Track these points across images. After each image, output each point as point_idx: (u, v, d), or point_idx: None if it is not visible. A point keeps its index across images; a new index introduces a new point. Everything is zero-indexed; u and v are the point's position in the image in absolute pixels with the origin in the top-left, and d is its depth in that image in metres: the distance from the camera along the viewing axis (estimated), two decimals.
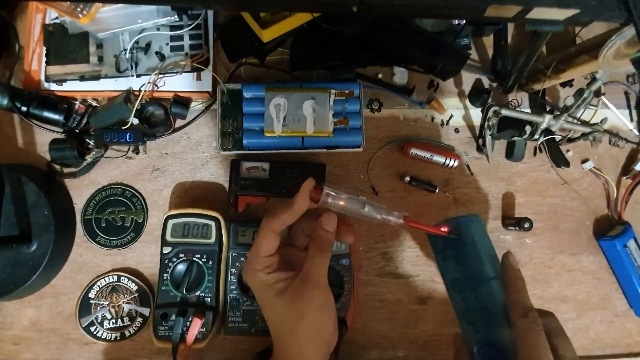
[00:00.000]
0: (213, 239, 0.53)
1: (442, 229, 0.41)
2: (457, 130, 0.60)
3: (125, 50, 0.55)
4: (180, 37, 0.55)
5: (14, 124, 0.58)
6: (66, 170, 0.57)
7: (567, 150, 0.59)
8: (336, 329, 0.42)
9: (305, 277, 0.39)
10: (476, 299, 0.39)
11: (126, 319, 0.56)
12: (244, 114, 0.54)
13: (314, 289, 0.39)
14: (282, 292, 0.39)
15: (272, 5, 0.45)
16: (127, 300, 0.56)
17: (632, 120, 0.60)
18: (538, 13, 0.37)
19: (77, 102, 0.56)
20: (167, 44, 0.55)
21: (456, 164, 0.57)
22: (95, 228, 0.57)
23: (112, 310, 0.56)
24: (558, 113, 0.52)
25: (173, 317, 0.51)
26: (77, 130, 0.56)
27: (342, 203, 0.41)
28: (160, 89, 0.55)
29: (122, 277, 0.56)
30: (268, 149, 0.54)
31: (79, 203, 0.57)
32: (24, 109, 0.53)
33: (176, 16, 0.54)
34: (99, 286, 0.56)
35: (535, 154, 0.59)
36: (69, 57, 0.55)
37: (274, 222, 0.41)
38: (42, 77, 0.55)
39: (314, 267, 0.40)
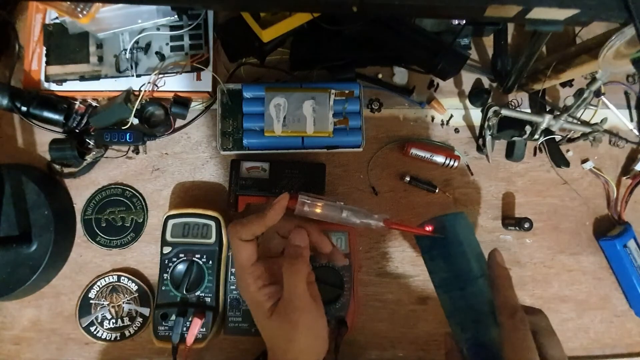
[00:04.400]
0: (213, 239, 0.53)
1: (427, 229, 0.40)
2: (457, 130, 0.60)
3: (125, 50, 0.55)
4: (180, 37, 0.55)
5: (14, 124, 0.58)
6: (66, 170, 0.57)
7: (567, 150, 0.59)
8: (326, 340, 0.41)
9: (286, 302, 0.39)
10: (463, 298, 0.39)
11: (126, 319, 0.56)
12: (244, 114, 0.54)
13: (296, 312, 0.38)
14: (270, 314, 0.39)
15: (272, 5, 0.45)
16: (127, 300, 0.56)
17: (632, 120, 0.60)
18: (538, 13, 0.37)
19: (77, 102, 0.56)
20: (167, 44, 0.55)
21: (456, 164, 0.57)
22: (95, 228, 0.57)
23: (112, 310, 0.56)
24: (558, 113, 0.52)
25: (173, 317, 0.51)
26: (77, 130, 0.56)
27: (318, 210, 0.41)
28: (160, 89, 0.55)
29: (122, 277, 0.56)
30: (268, 149, 0.54)
31: (79, 203, 0.57)
32: (24, 109, 0.53)
33: (176, 16, 0.54)
34: (99, 286, 0.56)
35: (535, 154, 0.59)
36: (69, 57, 0.55)
37: (242, 232, 0.40)
38: (42, 77, 0.55)
39: (291, 290, 0.39)
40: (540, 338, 0.36)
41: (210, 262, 0.52)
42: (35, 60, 0.56)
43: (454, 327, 0.40)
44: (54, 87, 0.55)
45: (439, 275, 0.42)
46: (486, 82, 0.61)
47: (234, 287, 0.53)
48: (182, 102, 0.55)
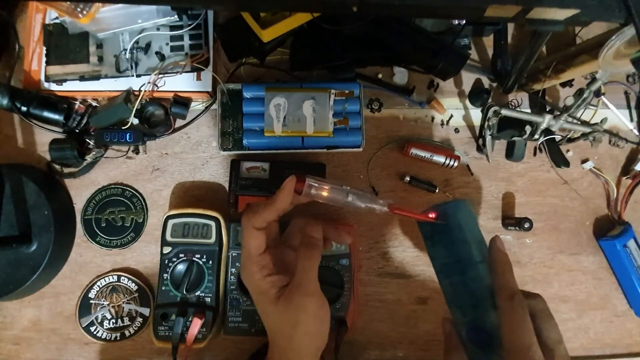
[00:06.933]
0: (213, 239, 0.53)
1: (430, 215, 0.41)
2: (457, 130, 0.60)
3: (125, 50, 0.55)
4: (180, 37, 0.55)
5: (14, 124, 0.58)
6: (66, 170, 0.57)
7: (567, 150, 0.59)
8: (327, 331, 0.41)
9: (297, 285, 0.39)
10: (464, 283, 0.39)
11: (126, 319, 0.56)
12: (244, 114, 0.54)
13: (306, 296, 0.39)
14: (276, 299, 0.39)
15: (272, 5, 0.45)
16: (127, 300, 0.56)
17: (632, 120, 0.60)
18: (538, 13, 0.37)
19: (77, 102, 0.56)
20: (167, 44, 0.55)
21: (456, 164, 0.57)
22: (95, 228, 0.57)
23: (112, 310, 0.56)
24: (558, 113, 0.52)
25: (173, 317, 0.51)
26: (77, 130, 0.56)
27: (325, 193, 0.41)
28: (160, 89, 0.55)
29: (122, 277, 0.56)
30: (268, 149, 0.54)
31: (79, 203, 0.57)
32: (24, 109, 0.53)
33: (176, 16, 0.54)
34: (99, 286, 0.56)
35: (535, 154, 0.59)
36: (69, 57, 0.55)
37: (255, 219, 0.40)
38: (42, 77, 0.55)
39: (304, 273, 0.39)
40: (538, 321, 0.36)
41: (210, 262, 0.52)
42: (35, 60, 0.56)
43: (453, 312, 0.41)
44: (54, 87, 0.55)
45: (440, 261, 0.42)
46: (486, 82, 0.61)
47: (234, 287, 0.53)
48: (182, 102, 0.55)
